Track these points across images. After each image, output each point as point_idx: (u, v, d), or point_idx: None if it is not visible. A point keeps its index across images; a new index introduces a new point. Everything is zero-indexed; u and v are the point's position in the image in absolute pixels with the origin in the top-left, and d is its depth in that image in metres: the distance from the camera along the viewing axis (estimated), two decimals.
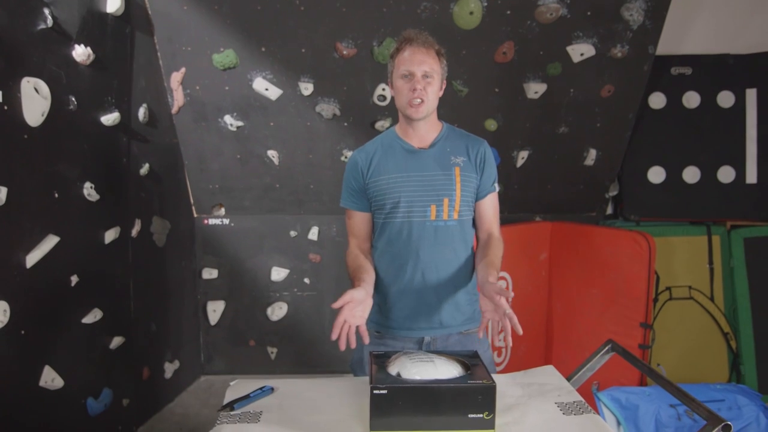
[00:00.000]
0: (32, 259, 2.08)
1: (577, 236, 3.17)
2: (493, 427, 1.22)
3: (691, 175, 3.37)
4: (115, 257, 2.66)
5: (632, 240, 2.87)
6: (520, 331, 1.30)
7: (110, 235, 2.58)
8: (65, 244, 2.23)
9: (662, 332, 3.20)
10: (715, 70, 3.35)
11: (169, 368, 3.19)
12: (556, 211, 3.56)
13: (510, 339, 1.32)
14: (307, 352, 3.62)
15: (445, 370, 1.29)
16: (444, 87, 1.69)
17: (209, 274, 3.54)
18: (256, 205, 3.49)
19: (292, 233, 3.53)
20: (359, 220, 1.72)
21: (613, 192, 3.53)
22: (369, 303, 1.49)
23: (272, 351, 3.61)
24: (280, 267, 3.55)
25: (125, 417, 2.74)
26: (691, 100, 3.37)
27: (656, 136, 3.40)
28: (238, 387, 1.51)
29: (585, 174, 3.43)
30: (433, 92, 1.62)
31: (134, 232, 2.80)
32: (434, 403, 1.21)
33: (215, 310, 3.56)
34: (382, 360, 1.37)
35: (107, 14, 2.50)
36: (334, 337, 1.36)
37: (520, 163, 3.35)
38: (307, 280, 3.57)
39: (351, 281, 1.60)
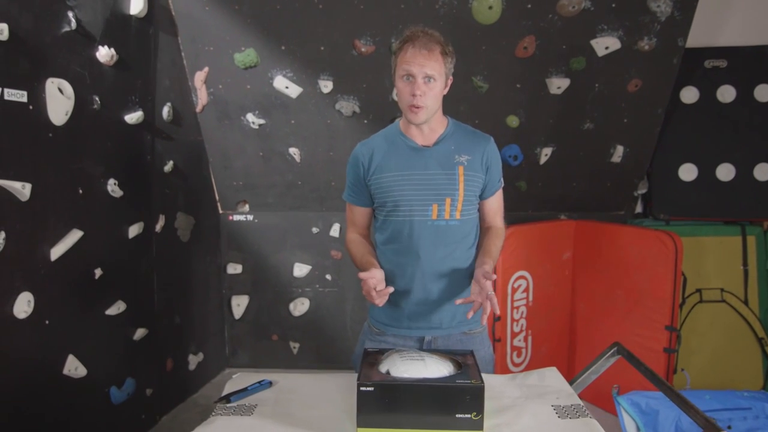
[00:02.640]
0: (56, 252, 2.17)
1: (601, 235, 3.09)
2: (481, 428, 1.21)
3: (726, 172, 3.22)
4: (139, 252, 2.74)
5: (658, 240, 2.77)
6: (497, 311, 1.42)
7: (134, 230, 2.67)
8: (89, 238, 2.32)
9: (692, 336, 3.08)
10: (753, 63, 3.18)
11: (193, 360, 3.28)
12: (583, 210, 3.47)
13: (485, 318, 1.46)
14: (328, 347, 3.66)
15: (435, 369, 1.28)
16: (450, 84, 1.65)
17: (234, 269, 3.62)
18: (279, 202, 3.54)
19: (314, 230, 3.57)
20: (360, 214, 1.74)
21: (642, 190, 3.41)
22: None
23: (294, 346, 3.66)
24: (302, 263, 3.59)
25: (149, 406, 2.83)
26: (726, 94, 3.22)
27: (688, 132, 3.26)
28: (239, 380, 1.54)
29: (612, 171, 3.33)
30: (434, 96, 1.57)
31: (158, 227, 2.89)
32: (421, 402, 1.21)
33: (239, 304, 3.63)
34: (374, 357, 1.37)
35: (131, 16, 2.58)
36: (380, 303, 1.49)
37: (543, 160, 3.28)
38: (328, 277, 3.60)
39: (359, 265, 1.64)
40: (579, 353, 3.20)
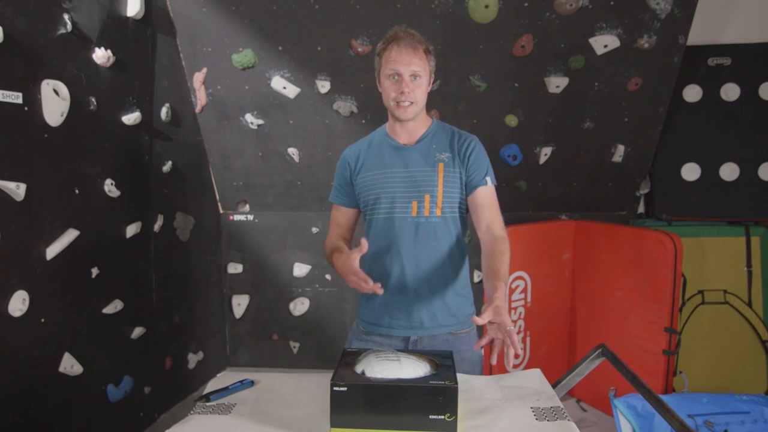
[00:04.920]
0: (52, 251, 2.20)
1: (601, 236, 3.05)
2: (455, 429, 1.19)
3: (729, 172, 3.17)
4: (136, 251, 2.77)
5: (657, 240, 2.73)
6: (519, 351, 1.30)
7: (132, 230, 2.69)
8: (85, 237, 2.35)
9: (694, 338, 3.04)
10: (757, 61, 3.13)
11: (193, 359, 3.30)
12: (584, 210, 3.44)
13: (510, 356, 1.32)
14: (328, 347, 3.66)
15: (411, 369, 1.27)
16: (432, 81, 1.67)
17: (234, 268, 3.64)
18: (278, 202, 3.56)
19: (314, 230, 3.58)
20: (344, 214, 1.76)
21: (644, 190, 3.37)
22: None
23: (294, 345, 3.67)
24: (302, 263, 3.61)
25: (147, 404, 2.86)
26: (730, 92, 3.17)
27: (691, 130, 3.22)
28: (222, 379, 1.55)
29: (613, 171, 3.29)
30: (422, 93, 1.61)
31: (156, 227, 2.91)
32: (394, 403, 1.20)
33: (240, 303, 3.66)
34: (351, 357, 1.36)
35: (128, 18, 2.61)
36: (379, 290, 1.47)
37: (543, 159, 3.25)
38: (328, 277, 3.61)
39: (330, 256, 1.67)
40: (578, 354, 3.17)
